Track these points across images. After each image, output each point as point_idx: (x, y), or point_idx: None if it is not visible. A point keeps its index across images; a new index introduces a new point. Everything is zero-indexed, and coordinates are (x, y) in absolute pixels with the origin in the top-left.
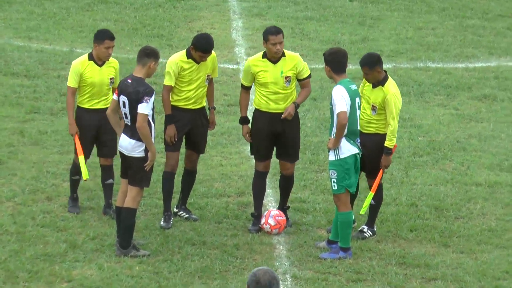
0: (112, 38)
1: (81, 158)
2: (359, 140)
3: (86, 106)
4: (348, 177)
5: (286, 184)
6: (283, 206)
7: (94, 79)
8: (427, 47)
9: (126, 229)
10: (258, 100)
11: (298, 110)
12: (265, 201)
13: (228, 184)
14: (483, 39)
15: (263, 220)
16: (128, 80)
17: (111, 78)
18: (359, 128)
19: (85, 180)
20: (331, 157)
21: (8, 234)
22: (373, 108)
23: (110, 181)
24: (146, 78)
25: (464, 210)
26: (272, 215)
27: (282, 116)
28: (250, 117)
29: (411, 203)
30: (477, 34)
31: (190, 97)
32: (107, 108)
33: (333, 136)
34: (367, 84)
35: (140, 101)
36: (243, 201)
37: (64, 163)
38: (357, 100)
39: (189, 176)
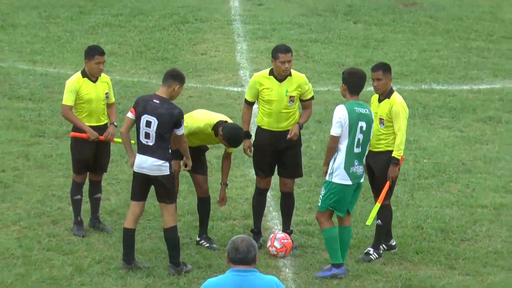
0: (102, 53)
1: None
2: (357, 163)
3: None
4: (333, 198)
5: (286, 203)
6: (285, 230)
7: (90, 95)
8: (431, 69)
9: (173, 247)
10: (260, 118)
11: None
12: (270, 223)
13: (233, 207)
14: (488, 61)
15: (268, 243)
16: (155, 101)
17: (106, 93)
18: (361, 149)
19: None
20: (327, 176)
21: (14, 258)
22: (381, 121)
23: (99, 195)
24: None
25: (470, 232)
26: (278, 237)
27: (288, 136)
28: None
29: (416, 226)
30: (481, 56)
31: (193, 145)
32: (104, 124)
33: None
34: (374, 101)
35: (178, 124)
36: (249, 224)
37: (70, 186)
38: (361, 124)
39: (202, 203)
